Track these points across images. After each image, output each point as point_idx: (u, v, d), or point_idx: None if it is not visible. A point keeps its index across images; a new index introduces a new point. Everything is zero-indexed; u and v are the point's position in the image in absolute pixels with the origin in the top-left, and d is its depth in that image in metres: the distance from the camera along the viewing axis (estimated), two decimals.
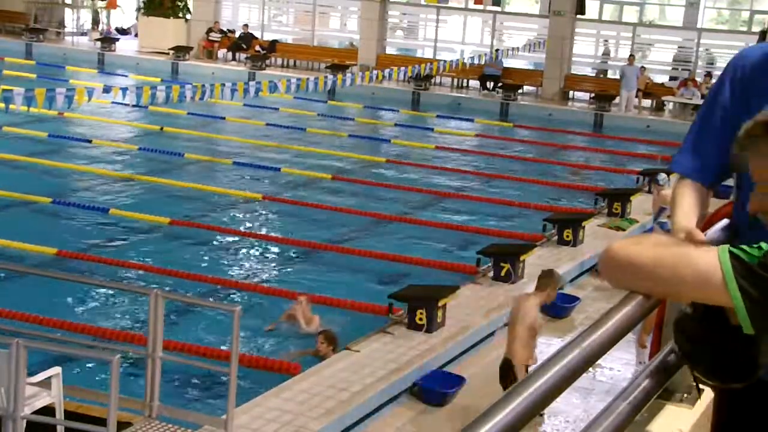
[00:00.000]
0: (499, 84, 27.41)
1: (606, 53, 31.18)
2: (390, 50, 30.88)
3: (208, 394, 8.87)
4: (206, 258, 12.54)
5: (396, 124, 23.49)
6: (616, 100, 26.12)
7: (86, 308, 10.64)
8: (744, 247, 1.75)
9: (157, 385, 7.12)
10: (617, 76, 27.54)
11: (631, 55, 26.35)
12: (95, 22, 35.86)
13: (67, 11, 34.59)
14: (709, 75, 26.53)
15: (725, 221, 2.65)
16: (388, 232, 14.16)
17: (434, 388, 8.48)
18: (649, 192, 15.19)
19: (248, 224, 14.39)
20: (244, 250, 13.13)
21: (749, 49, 2.62)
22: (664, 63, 30.48)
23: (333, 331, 9.39)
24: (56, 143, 18.60)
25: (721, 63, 28.59)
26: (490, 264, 11.35)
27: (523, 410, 1.51)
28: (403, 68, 22.39)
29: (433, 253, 12.89)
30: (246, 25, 31.16)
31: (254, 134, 21.00)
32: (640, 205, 15.00)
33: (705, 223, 2.61)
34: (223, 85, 17.24)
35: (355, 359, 8.70)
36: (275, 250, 13.20)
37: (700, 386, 2.34)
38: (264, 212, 15.06)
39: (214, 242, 13.24)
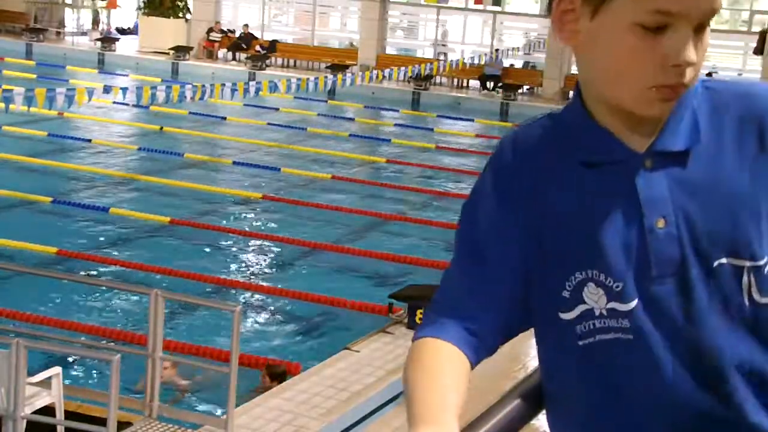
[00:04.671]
0: (499, 84, 27.42)
1: None
2: (390, 50, 30.87)
3: (208, 394, 8.87)
4: (206, 258, 12.54)
5: (396, 124, 23.49)
6: None
7: (86, 308, 10.64)
8: None
9: (157, 385, 7.12)
10: None
11: None
12: (95, 21, 35.86)
13: (68, 11, 34.59)
14: (709, 74, 26.52)
15: None
16: (388, 232, 14.16)
17: None
18: None
19: (248, 224, 14.39)
20: (244, 250, 13.13)
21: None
22: None
23: (279, 367, 8.69)
24: (56, 143, 18.60)
25: (721, 63, 28.64)
26: None
27: (523, 410, 1.51)
28: (403, 68, 22.38)
29: (433, 253, 12.90)
30: (246, 25, 31.16)
31: (254, 134, 21.00)
32: None
33: None
34: (223, 85, 17.22)
35: (355, 359, 8.70)
36: (275, 250, 13.20)
37: None
38: (264, 212, 15.06)
39: (214, 242, 13.24)
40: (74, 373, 8.93)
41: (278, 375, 8.37)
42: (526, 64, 30.59)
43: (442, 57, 29.87)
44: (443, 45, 31.66)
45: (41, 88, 15.07)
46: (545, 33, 28.08)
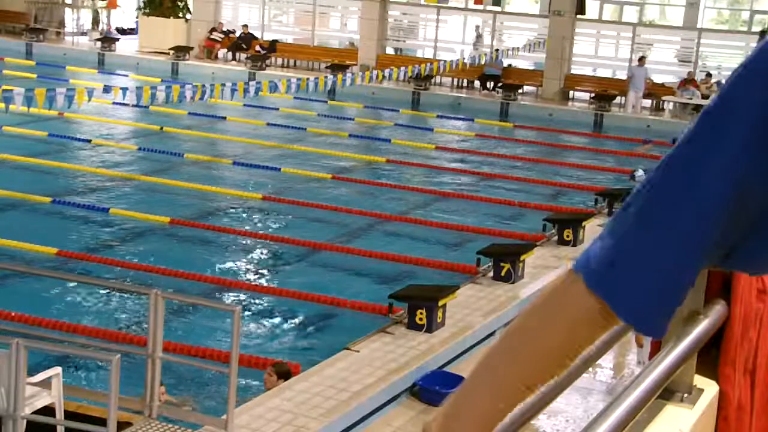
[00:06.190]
0: (499, 84, 27.42)
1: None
2: (390, 50, 30.87)
3: (208, 394, 8.87)
4: (206, 258, 12.54)
5: (396, 124, 23.48)
6: (617, 99, 26.12)
7: (86, 308, 10.64)
8: None
9: (158, 385, 7.13)
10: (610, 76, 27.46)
11: (642, 57, 26.27)
12: (95, 21, 35.83)
13: (68, 11, 34.57)
14: (709, 75, 26.52)
15: None
16: (388, 232, 14.16)
17: (434, 388, 8.48)
18: None
19: (248, 224, 14.39)
20: (244, 250, 13.13)
21: None
22: (670, 63, 30.44)
23: (285, 366, 8.58)
24: (56, 143, 18.60)
25: (720, 63, 28.63)
26: (490, 264, 11.35)
27: (523, 410, 1.51)
28: (403, 68, 22.38)
29: (433, 253, 12.90)
30: (246, 26, 31.16)
31: (254, 134, 20.99)
32: None
33: None
34: (223, 85, 17.25)
35: (355, 359, 8.70)
36: (275, 250, 13.20)
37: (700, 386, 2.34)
38: (264, 212, 15.06)
39: (214, 242, 13.24)
40: (74, 373, 8.93)
41: (285, 373, 8.38)
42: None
43: (391, 51, 29.98)
44: (396, 41, 31.63)
45: (41, 88, 15.08)
46: (545, 33, 28.09)
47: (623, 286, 1.22)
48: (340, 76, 20.72)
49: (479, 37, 30.60)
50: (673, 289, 1.22)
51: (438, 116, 24.93)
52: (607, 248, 1.25)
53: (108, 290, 10.95)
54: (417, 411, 8.31)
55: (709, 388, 2.43)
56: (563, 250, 12.62)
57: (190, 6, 31.88)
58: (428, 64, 23.64)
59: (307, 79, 18.92)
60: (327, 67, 28.19)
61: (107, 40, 31.22)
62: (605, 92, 26.52)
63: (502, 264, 11.17)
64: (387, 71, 21.86)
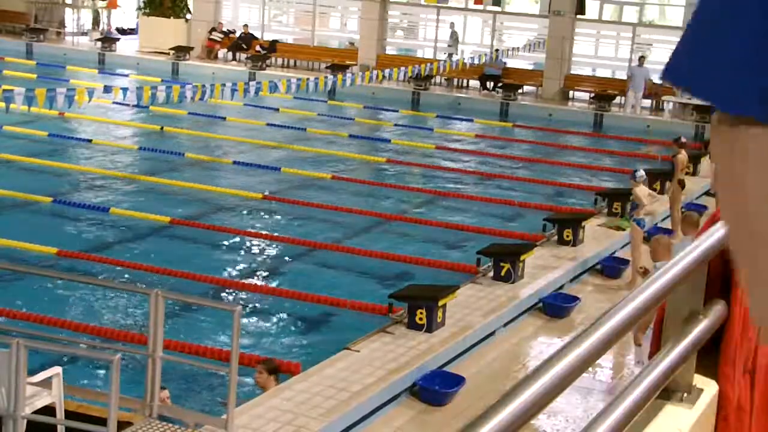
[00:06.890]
0: (499, 84, 27.42)
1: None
2: (390, 50, 30.87)
3: (208, 394, 8.87)
4: (206, 258, 12.54)
5: (396, 124, 23.49)
6: (617, 99, 26.11)
7: (86, 308, 10.64)
8: None
9: (158, 385, 7.13)
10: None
11: (641, 57, 26.26)
12: (96, 21, 35.84)
13: (68, 11, 34.58)
14: None
15: None
16: (388, 232, 14.17)
17: (434, 388, 8.49)
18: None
19: (248, 224, 14.39)
20: (244, 250, 13.14)
21: None
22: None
23: (273, 362, 8.58)
24: (56, 143, 18.60)
25: None
26: (490, 264, 11.35)
27: (523, 410, 1.51)
28: (403, 68, 22.39)
29: (433, 253, 12.90)
30: (246, 26, 31.17)
31: (254, 134, 21.00)
32: None
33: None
34: (224, 85, 17.24)
35: (355, 359, 8.70)
36: (275, 250, 13.21)
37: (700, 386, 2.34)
38: (264, 212, 15.06)
39: (214, 242, 13.24)
40: (74, 373, 8.93)
41: (274, 369, 8.37)
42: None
43: (390, 51, 29.86)
44: (384, 39, 31.60)
45: (41, 88, 15.08)
46: (545, 33, 28.10)
47: (700, 63, 1.03)
48: (340, 76, 20.73)
49: (454, 35, 30.41)
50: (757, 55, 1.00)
51: (438, 116, 24.93)
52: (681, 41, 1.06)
53: (108, 290, 10.95)
54: (417, 411, 8.32)
55: (708, 388, 2.43)
56: (563, 250, 12.62)
57: (190, 6, 31.89)
58: (428, 64, 23.65)
59: (307, 79, 18.92)
60: (327, 67, 28.20)
61: (107, 40, 31.23)
62: (605, 92, 26.52)
63: (502, 264, 11.17)
64: (387, 71, 21.86)
